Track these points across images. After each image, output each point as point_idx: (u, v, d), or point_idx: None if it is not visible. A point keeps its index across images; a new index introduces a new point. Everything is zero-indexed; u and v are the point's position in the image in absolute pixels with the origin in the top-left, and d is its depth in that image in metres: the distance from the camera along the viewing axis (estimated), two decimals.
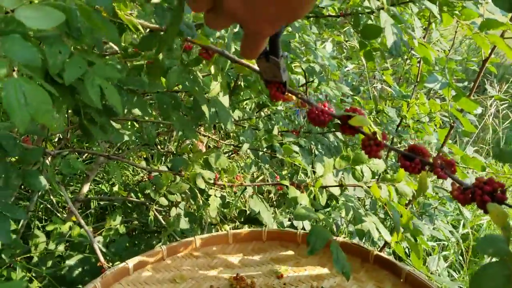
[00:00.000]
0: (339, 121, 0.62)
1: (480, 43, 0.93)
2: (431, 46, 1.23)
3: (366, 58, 0.67)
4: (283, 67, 0.60)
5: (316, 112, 0.62)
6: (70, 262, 0.95)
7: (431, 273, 1.68)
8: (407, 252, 1.61)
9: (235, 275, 0.87)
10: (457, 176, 0.53)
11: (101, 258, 0.92)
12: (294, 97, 0.66)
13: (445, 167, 0.54)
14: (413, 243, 0.80)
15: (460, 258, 1.97)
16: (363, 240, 1.53)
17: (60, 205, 1.65)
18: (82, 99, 0.62)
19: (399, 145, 1.60)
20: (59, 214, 1.46)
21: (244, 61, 0.70)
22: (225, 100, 0.85)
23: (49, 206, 1.70)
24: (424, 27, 1.50)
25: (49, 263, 0.99)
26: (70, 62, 0.55)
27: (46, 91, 0.52)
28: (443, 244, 2.03)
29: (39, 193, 1.64)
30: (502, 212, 0.45)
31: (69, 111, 1.12)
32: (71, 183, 1.84)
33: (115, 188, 1.90)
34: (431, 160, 0.55)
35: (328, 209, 1.54)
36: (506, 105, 2.49)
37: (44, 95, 0.52)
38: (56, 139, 1.46)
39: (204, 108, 0.76)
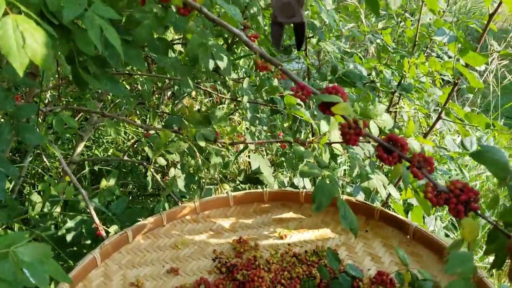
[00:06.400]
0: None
1: None
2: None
3: (370, 6, 0.63)
4: (301, 5, 0.55)
5: (297, 89, 0.60)
6: (69, 224, 0.92)
7: None
8: (406, 209, 1.61)
9: (238, 238, 0.86)
10: (432, 176, 0.54)
11: (96, 220, 0.89)
12: (272, 68, 0.62)
13: (423, 165, 0.53)
14: (421, 199, 0.78)
15: (453, 219, 1.99)
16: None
17: (53, 169, 1.62)
18: (78, 45, 0.58)
19: (398, 102, 1.57)
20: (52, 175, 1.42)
21: (223, 21, 0.65)
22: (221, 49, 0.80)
23: (41, 171, 1.66)
24: None
25: (47, 224, 0.97)
26: None
27: (45, 31, 0.48)
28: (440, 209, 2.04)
29: (31, 158, 1.60)
30: (475, 228, 0.47)
31: (59, 70, 1.07)
32: (63, 148, 1.80)
33: (109, 153, 1.87)
34: (409, 155, 0.55)
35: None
36: (506, 62, 2.47)
37: (44, 37, 0.48)
38: (46, 101, 1.41)
39: (201, 55, 0.71)
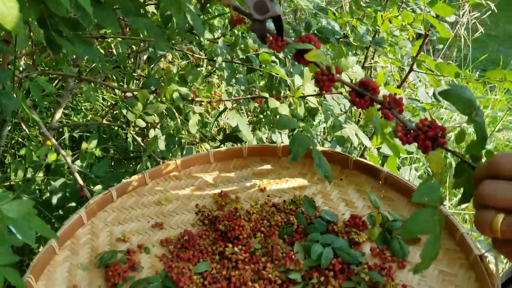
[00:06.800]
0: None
1: None
2: None
3: None
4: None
5: (269, 39, 0.62)
6: (53, 185, 0.94)
7: None
8: (382, 162, 1.67)
9: (219, 192, 0.89)
10: (403, 116, 0.56)
11: (80, 181, 0.91)
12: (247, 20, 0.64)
13: (393, 106, 0.56)
14: (392, 144, 0.82)
15: (429, 170, 2.07)
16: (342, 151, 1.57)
17: (32, 138, 1.61)
18: (49, 6, 0.58)
19: (373, 58, 1.59)
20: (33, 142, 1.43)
21: None
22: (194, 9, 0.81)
23: (20, 140, 1.66)
24: None
25: (31, 189, 0.98)
26: None
27: None
28: (416, 157, 2.11)
29: (9, 128, 1.59)
30: (441, 160, 0.50)
31: (33, 36, 1.06)
32: (42, 116, 1.79)
33: (87, 119, 1.86)
34: (380, 97, 0.57)
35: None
36: (477, 14, 2.50)
37: (12, 1, 0.48)
38: (21, 68, 1.39)
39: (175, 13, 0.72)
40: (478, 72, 3.26)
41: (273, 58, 1.01)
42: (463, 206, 1.86)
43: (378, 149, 1.39)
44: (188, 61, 1.91)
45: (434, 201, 0.46)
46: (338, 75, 0.60)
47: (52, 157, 0.94)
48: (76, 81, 1.04)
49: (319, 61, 0.60)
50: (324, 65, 0.59)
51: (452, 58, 3.15)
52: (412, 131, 0.54)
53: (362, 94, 0.58)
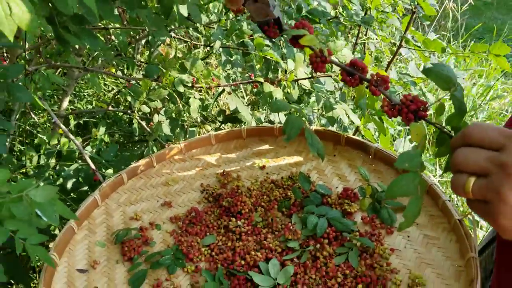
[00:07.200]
0: None
1: None
2: None
3: None
4: (272, 4, 0.62)
5: (266, 27, 0.67)
6: (67, 172, 1.01)
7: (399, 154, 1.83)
8: (376, 137, 1.73)
9: (221, 172, 0.95)
10: (388, 92, 0.62)
11: (92, 166, 0.98)
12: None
13: (379, 84, 0.62)
14: (379, 123, 0.88)
15: None
16: (335, 129, 1.63)
17: (40, 125, 1.68)
18: (57, 6, 0.64)
19: (366, 34, 1.64)
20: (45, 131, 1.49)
21: None
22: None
23: (28, 128, 1.72)
24: None
25: (45, 175, 1.05)
26: None
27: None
28: (409, 129, 2.17)
29: (17, 116, 1.65)
30: (421, 131, 0.55)
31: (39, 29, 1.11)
32: (48, 104, 1.84)
33: (91, 106, 1.92)
34: (368, 76, 0.63)
35: (301, 105, 1.62)
36: None
37: (27, 4, 0.54)
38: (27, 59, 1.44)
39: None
40: (473, 41, 3.29)
41: (267, 42, 1.06)
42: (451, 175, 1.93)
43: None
44: (186, 43, 1.95)
45: (414, 167, 0.52)
46: (330, 57, 0.66)
47: (65, 144, 1.00)
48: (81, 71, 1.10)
49: (313, 45, 0.65)
50: (317, 48, 0.65)
51: (447, 29, 3.17)
52: (396, 105, 0.60)
53: (352, 73, 0.64)
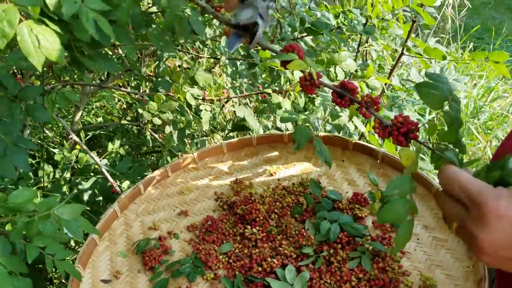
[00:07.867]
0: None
1: None
2: None
3: None
4: (263, 11, 0.64)
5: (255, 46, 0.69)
6: (85, 186, 1.04)
7: None
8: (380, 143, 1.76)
9: (234, 179, 0.98)
10: (378, 114, 0.63)
11: (110, 179, 1.02)
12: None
13: (370, 105, 0.64)
14: None
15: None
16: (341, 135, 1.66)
17: (54, 139, 1.71)
18: (75, 34, 0.67)
19: (366, 44, 1.67)
20: (57, 147, 1.53)
21: None
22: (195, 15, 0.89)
23: (40, 142, 1.75)
24: None
25: (63, 190, 1.09)
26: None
27: (53, 30, 0.58)
28: None
29: (28, 131, 1.69)
30: (411, 156, 0.55)
31: None
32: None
33: (100, 119, 1.96)
34: (359, 97, 0.65)
35: (307, 112, 1.65)
36: None
37: (53, 36, 0.57)
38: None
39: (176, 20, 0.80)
40: (473, 42, 3.32)
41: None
42: None
43: None
44: (191, 55, 1.99)
45: (404, 193, 0.52)
46: (319, 79, 0.68)
47: (83, 159, 1.04)
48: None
49: (302, 69, 0.67)
50: (307, 72, 0.67)
51: (446, 31, 3.21)
52: (388, 127, 0.59)
53: (342, 94, 0.67)
